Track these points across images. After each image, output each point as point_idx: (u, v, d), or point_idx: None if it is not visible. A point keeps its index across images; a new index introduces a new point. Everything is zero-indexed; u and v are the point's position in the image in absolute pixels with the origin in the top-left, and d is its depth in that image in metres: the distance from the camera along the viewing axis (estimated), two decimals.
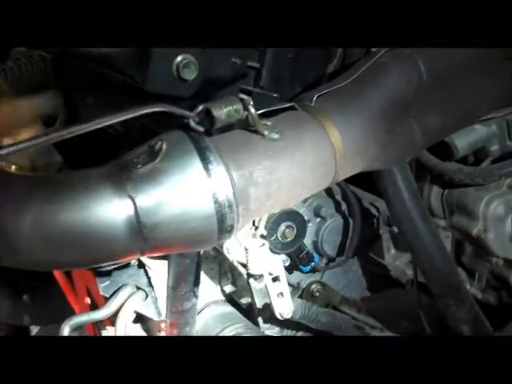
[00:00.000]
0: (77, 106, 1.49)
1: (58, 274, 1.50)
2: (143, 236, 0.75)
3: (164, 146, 0.75)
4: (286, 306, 1.20)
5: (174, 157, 0.77)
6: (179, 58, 0.93)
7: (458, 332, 1.28)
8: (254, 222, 1.06)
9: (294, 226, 1.25)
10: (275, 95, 1.08)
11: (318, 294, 1.42)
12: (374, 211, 1.44)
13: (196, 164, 0.77)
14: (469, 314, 1.27)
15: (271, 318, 1.41)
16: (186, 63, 0.94)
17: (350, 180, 1.36)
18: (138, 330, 1.31)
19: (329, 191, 1.37)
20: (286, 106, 0.90)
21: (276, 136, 0.83)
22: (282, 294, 1.18)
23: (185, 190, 0.76)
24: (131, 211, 0.74)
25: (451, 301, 1.25)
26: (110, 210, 0.73)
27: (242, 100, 0.80)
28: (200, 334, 1.31)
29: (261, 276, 1.12)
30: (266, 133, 0.83)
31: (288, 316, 1.21)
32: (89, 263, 0.80)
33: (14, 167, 0.96)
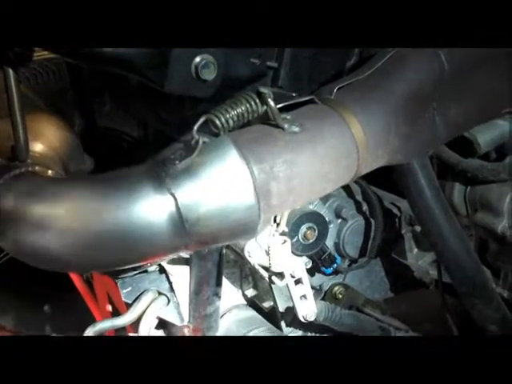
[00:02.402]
0: (93, 114, 1.50)
1: (78, 282, 1.50)
2: (186, 231, 0.75)
3: (200, 141, 0.75)
4: (309, 309, 1.19)
5: (211, 150, 0.77)
6: (198, 59, 0.92)
7: (485, 331, 1.26)
8: (275, 218, 1.05)
9: (315, 227, 1.24)
10: (294, 94, 1.08)
11: (340, 296, 1.40)
12: (395, 211, 1.42)
13: (234, 155, 0.77)
14: (496, 312, 1.25)
15: (294, 322, 1.39)
16: (204, 63, 0.93)
17: (370, 180, 1.35)
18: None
19: (349, 191, 1.36)
20: (306, 99, 0.89)
21: (296, 129, 0.82)
22: (304, 296, 1.17)
23: (225, 181, 0.76)
24: (172, 207, 0.74)
25: (478, 299, 1.22)
26: (152, 208, 0.74)
27: (260, 93, 0.79)
28: None
29: (283, 275, 1.10)
30: (286, 126, 0.82)
31: (311, 319, 1.20)
32: (133, 261, 0.82)
33: (50, 172, 0.96)
